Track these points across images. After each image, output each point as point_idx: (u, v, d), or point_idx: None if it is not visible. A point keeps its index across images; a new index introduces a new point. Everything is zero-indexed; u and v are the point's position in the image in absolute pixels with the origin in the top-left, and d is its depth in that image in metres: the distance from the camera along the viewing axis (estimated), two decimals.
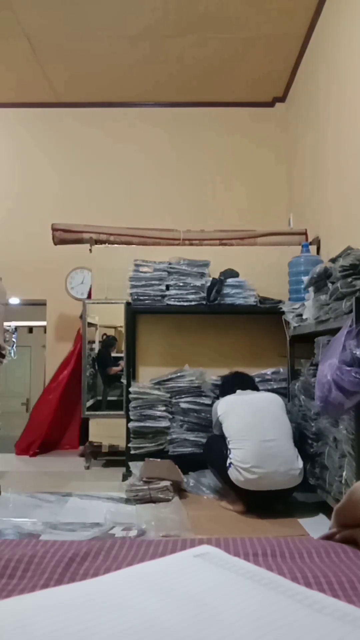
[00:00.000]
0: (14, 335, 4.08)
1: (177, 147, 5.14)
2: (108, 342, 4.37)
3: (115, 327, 4.35)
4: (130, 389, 3.45)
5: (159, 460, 3.19)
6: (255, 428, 2.74)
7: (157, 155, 5.13)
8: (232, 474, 2.68)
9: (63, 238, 4.07)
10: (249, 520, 2.71)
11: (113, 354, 4.37)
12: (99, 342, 4.37)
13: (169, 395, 3.44)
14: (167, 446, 3.38)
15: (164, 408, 3.43)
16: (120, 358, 4.08)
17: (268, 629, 0.57)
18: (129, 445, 3.41)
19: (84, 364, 3.97)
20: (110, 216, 4.47)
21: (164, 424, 3.39)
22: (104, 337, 4.39)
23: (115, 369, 4.26)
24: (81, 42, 4.23)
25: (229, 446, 2.76)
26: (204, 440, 3.34)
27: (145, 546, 0.90)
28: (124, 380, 3.68)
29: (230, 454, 2.73)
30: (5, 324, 3.66)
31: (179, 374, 3.47)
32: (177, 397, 3.43)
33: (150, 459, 3.21)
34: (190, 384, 3.43)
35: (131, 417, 3.40)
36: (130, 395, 3.42)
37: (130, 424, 3.40)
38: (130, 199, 4.98)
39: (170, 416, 3.42)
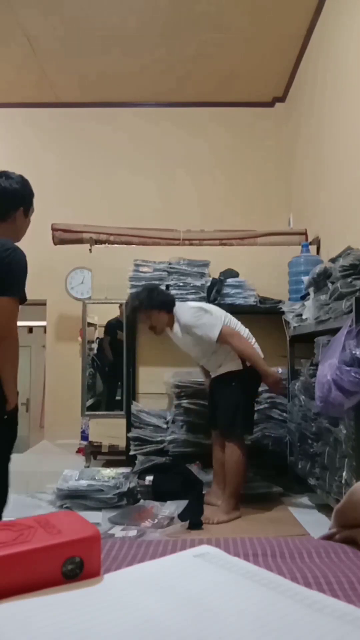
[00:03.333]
0: None
1: (177, 147, 5.14)
2: (116, 325, 4.10)
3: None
4: (132, 408, 3.51)
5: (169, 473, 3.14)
6: None
7: (157, 155, 5.12)
8: None
9: (63, 238, 4.07)
10: (249, 520, 2.72)
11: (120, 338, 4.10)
12: (105, 326, 4.22)
13: (165, 420, 3.47)
14: (167, 446, 3.38)
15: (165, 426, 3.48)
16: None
17: (268, 629, 0.57)
18: (129, 446, 3.43)
19: (83, 364, 3.97)
20: (110, 216, 4.46)
21: (164, 434, 3.44)
22: (109, 323, 4.23)
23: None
24: (81, 42, 4.22)
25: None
26: (204, 441, 3.35)
27: (145, 546, 0.90)
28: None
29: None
30: None
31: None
32: (182, 397, 3.44)
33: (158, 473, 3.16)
34: (201, 385, 3.44)
35: (132, 423, 3.46)
36: (132, 419, 3.53)
37: (130, 434, 3.46)
38: (130, 199, 4.98)
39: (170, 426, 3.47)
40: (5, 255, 1.77)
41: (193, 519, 2.60)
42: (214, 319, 2.80)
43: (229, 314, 2.92)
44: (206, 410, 3.40)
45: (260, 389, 3.02)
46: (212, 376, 2.99)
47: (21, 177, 2.04)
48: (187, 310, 2.87)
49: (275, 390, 2.97)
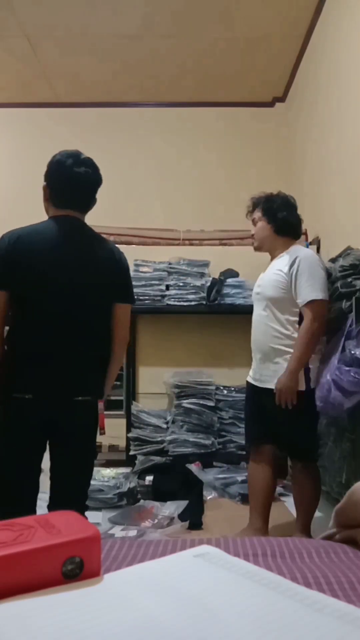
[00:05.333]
0: None
1: (177, 147, 5.13)
2: None
3: None
4: (132, 408, 3.51)
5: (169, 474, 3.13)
6: None
7: (157, 155, 5.12)
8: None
9: None
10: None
11: None
12: None
13: (165, 420, 3.47)
14: (167, 446, 3.39)
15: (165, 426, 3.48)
16: None
17: (268, 629, 0.57)
18: (129, 446, 3.43)
19: None
20: (110, 216, 4.46)
21: (164, 434, 3.44)
22: None
23: None
24: (81, 42, 4.22)
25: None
26: (204, 442, 3.36)
27: (145, 546, 0.90)
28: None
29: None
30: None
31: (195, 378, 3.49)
32: (182, 397, 3.44)
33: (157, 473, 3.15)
34: (201, 385, 3.44)
35: (132, 423, 3.46)
36: (132, 419, 3.52)
37: (130, 434, 3.46)
38: (131, 199, 4.98)
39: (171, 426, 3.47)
40: (124, 260, 1.82)
41: (193, 519, 2.60)
42: (325, 286, 2.24)
43: None
44: (207, 411, 3.40)
45: None
46: (258, 383, 2.39)
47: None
48: (312, 255, 2.37)
49: (279, 397, 2.19)
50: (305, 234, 4.11)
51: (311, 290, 2.17)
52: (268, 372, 2.32)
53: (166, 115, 5.17)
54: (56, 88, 4.94)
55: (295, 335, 2.22)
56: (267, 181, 5.05)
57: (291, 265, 2.24)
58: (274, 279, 2.29)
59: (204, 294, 3.56)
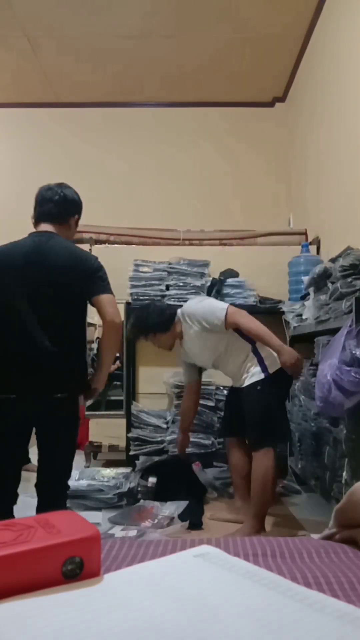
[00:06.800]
0: None
1: (177, 147, 5.14)
2: None
3: None
4: (132, 408, 3.51)
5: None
6: None
7: (157, 155, 5.12)
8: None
9: None
10: None
11: None
12: None
13: (165, 420, 3.47)
14: (167, 446, 3.38)
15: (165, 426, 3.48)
16: None
17: (268, 629, 0.57)
18: (129, 446, 3.43)
19: None
20: (110, 216, 4.46)
21: (164, 434, 3.44)
22: None
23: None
24: (81, 42, 4.22)
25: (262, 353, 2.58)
26: (203, 441, 3.35)
27: (145, 546, 0.90)
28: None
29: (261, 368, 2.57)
30: None
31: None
32: (182, 397, 3.44)
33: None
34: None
35: (132, 423, 3.45)
36: (132, 419, 3.52)
37: (130, 434, 3.46)
38: (131, 199, 4.98)
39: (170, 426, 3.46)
40: (92, 261, 2.10)
41: (193, 519, 2.59)
42: (216, 302, 2.68)
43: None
44: (207, 411, 3.40)
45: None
46: (237, 386, 2.73)
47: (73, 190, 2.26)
48: (188, 302, 2.79)
49: (293, 371, 2.52)
50: (305, 234, 4.11)
51: (216, 312, 2.58)
52: (235, 378, 2.71)
53: (166, 116, 5.17)
54: (56, 88, 4.94)
55: (241, 349, 2.61)
56: (267, 181, 5.06)
57: (193, 323, 2.64)
58: (202, 340, 2.67)
59: (204, 294, 3.56)
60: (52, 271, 1.97)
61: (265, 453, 2.49)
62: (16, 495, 2.01)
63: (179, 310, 2.78)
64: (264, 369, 2.55)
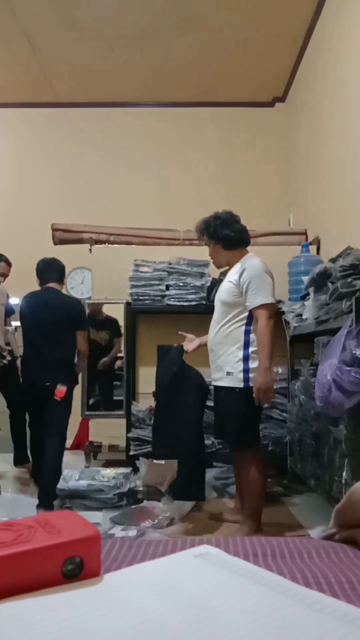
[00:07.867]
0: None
1: (177, 147, 5.14)
2: (91, 323, 3.82)
3: None
4: (132, 408, 3.50)
5: (163, 462, 3.12)
6: None
7: (157, 155, 5.12)
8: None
9: (63, 238, 4.07)
10: None
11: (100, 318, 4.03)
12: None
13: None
14: None
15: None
16: (112, 321, 3.98)
17: (268, 629, 0.57)
18: (129, 446, 3.43)
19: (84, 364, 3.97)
20: (110, 216, 4.46)
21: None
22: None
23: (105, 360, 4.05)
24: (81, 42, 4.22)
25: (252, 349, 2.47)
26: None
27: (145, 546, 0.90)
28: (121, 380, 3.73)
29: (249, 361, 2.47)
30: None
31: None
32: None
33: (154, 461, 3.16)
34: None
35: (132, 423, 3.45)
36: (132, 419, 3.53)
37: (130, 434, 3.45)
38: (130, 199, 4.98)
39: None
40: (77, 305, 3.26)
41: (195, 495, 2.59)
42: (272, 290, 2.52)
43: None
44: (207, 411, 3.39)
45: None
46: (213, 381, 2.64)
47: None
48: (257, 264, 2.54)
49: (259, 396, 2.40)
50: (305, 234, 4.11)
51: (259, 295, 2.45)
52: (214, 367, 2.60)
53: (166, 116, 5.17)
54: (56, 88, 4.93)
55: (240, 335, 2.50)
56: (267, 181, 5.06)
57: (240, 274, 2.49)
58: (227, 287, 2.56)
59: (203, 294, 3.56)
60: (55, 313, 3.11)
61: (246, 455, 2.51)
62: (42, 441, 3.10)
63: (250, 254, 2.63)
64: (246, 378, 2.46)
